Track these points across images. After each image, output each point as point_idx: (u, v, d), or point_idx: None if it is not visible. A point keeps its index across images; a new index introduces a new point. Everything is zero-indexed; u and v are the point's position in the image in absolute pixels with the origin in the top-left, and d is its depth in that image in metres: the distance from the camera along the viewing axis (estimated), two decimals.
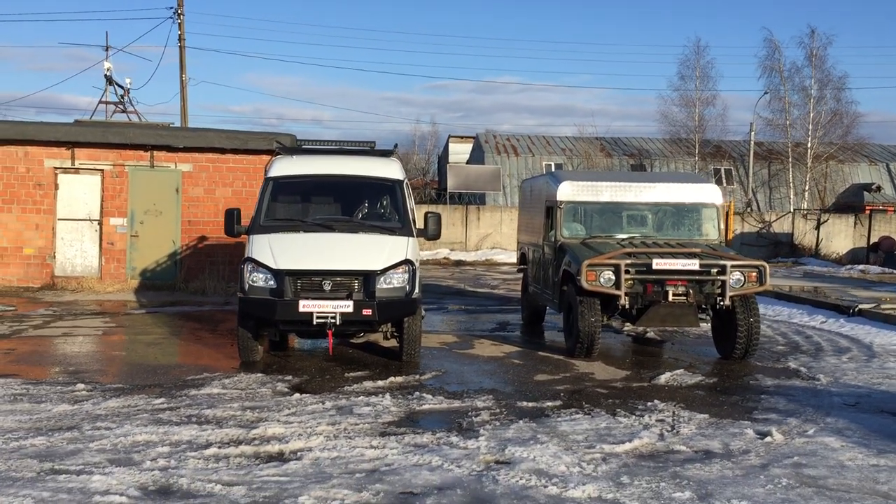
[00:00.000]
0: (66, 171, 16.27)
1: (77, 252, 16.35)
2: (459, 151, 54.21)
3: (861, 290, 16.54)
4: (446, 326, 12.76)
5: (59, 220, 16.26)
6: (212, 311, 13.81)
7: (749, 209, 37.86)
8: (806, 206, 37.95)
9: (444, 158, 56.62)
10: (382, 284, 8.85)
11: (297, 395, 7.65)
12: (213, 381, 8.24)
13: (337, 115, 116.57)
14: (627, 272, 9.61)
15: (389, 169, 10.23)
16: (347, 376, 8.68)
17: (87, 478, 5.21)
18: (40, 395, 7.45)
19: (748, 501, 5.00)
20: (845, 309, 13.29)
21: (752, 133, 40.48)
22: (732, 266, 9.74)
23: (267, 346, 10.43)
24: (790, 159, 41.04)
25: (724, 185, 43.49)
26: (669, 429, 6.70)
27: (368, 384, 8.25)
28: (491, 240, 28.78)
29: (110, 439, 6.08)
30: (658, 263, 9.66)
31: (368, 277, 8.78)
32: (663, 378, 8.79)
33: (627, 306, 9.76)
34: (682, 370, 9.25)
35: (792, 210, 33.24)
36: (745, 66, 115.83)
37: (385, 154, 10.72)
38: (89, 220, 16.35)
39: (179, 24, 26.51)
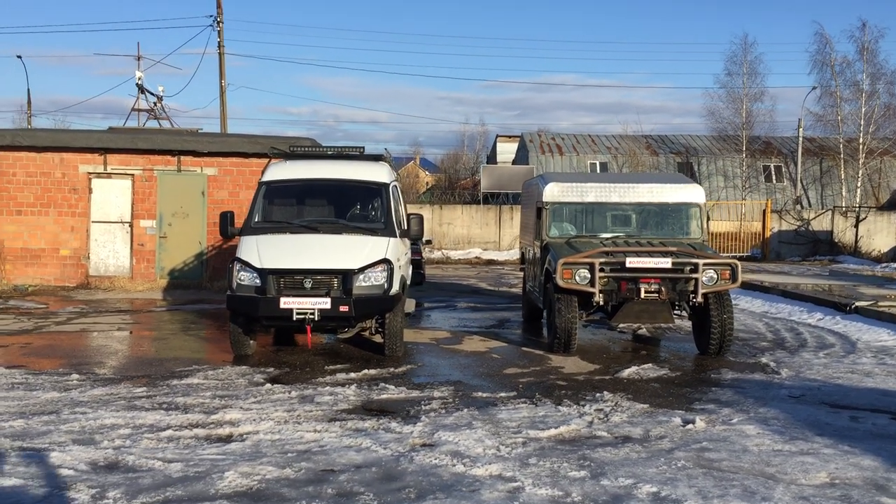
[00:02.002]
0: (99, 175, 17.25)
1: (110, 253, 17.31)
2: (506, 151, 54.61)
3: (874, 289, 16.45)
4: (446, 323, 13.22)
5: (93, 222, 17.24)
6: None
7: (798, 206, 37.38)
8: (859, 204, 37.28)
9: (492, 158, 57.08)
10: (360, 282, 9.38)
11: (268, 386, 8.23)
12: (199, 372, 8.88)
13: (392, 115, 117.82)
14: (602, 270, 9.97)
15: (377, 172, 10.76)
16: (327, 369, 9.22)
17: (47, 454, 5.85)
18: (36, 384, 8.17)
19: (634, 479, 5.38)
20: (842, 306, 13.34)
21: (801, 129, 39.99)
22: (705, 264, 9.99)
23: (271, 340, 11.09)
24: (842, 155, 40.33)
25: (774, 182, 43.06)
26: (602, 417, 7.07)
27: (341, 376, 8.78)
28: None
29: (81, 422, 6.73)
30: (631, 262, 9.99)
31: (346, 276, 9.33)
32: (627, 372, 9.12)
33: (602, 303, 10.12)
34: (650, 364, 9.56)
35: (832, 207, 32.73)
36: (796, 62, 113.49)
37: (375, 158, 11.26)
38: (121, 222, 17.30)
39: (219, 31, 27.53)
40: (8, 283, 16.79)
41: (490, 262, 27.21)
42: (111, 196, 17.28)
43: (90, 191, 17.25)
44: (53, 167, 17.15)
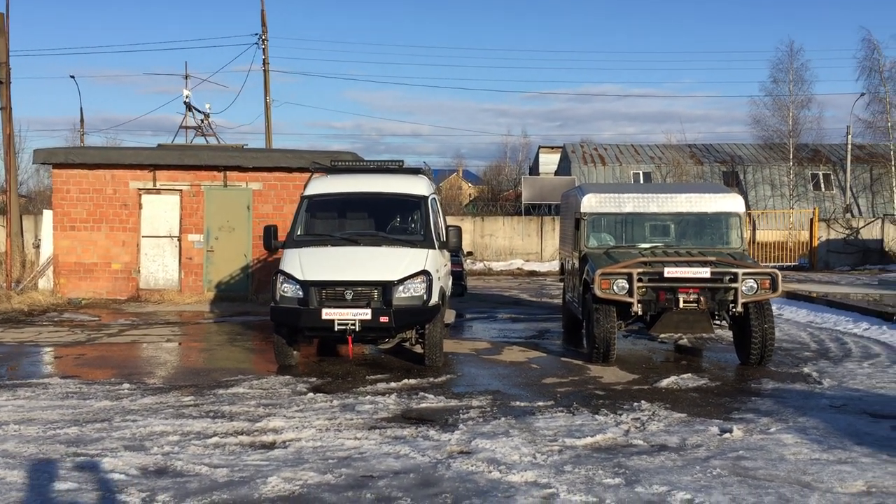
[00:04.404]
0: (148, 191, 17.74)
1: (159, 266, 17.77)
2: (549, 162, 54.60)
3: None
4: (486, 334, 13.33)
5: (143, 237, 17.75)
6: None
7: (848, 215, 36.75)
8: None
9: (535, 169, 57.11)
10: (400, 294, 9.55)
11: (311, 395, 8.42)
12: (244, 382, 9.11)
13: (434, 128, 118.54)
14: (640, 280, 10.00)
15: (416, 185, 10.95)
16: (368, 378, 9.39)
17: (100, 460, 6.10)
18: (89, 393, 8.47)
19: (668, 486, 5.43)
20: (889, 316, 13.16)
21: (849, 136, 39.39)
22: (744, 274, 9.97)
23: (315, 350, 11.33)
24: (893, 162, 39.60)
25: (823, 190, 42.38)
26: (639, 426, 7.12)
27: (382, 386, 8.94)
28: None
29: (131, 429, 6.98)
30: (669, 272, 10.00)
31: (386, 287, 9.51)
32: (666, 381, 9.14)
33: (641, 313, 10.14)
34: (689, 374, 9.56)
35: (882, 216, 32.14)
36: (843, 69, 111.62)
37: (414, 172, 11.44)
38: (170, 236, 17.76)
39: (264, 49, 28.09)
40: (62, 297, 17.32)
41: (532, 274, 27.25)
42: (160, 211, 17.75)
43: (140, 206, 17.75)
44: (105, 184, 17.69)
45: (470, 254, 22.00)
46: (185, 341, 12.43)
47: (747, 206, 39.63)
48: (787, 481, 5.56)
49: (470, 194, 70.89)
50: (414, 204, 10.81)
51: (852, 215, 37.07)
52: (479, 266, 28.10)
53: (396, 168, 11.44)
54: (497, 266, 28.03)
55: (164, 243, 17.79)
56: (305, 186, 11.23)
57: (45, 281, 17.91)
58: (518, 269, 27.98)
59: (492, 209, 43.69)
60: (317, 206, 10.90)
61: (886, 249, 29.30)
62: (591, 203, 11.33)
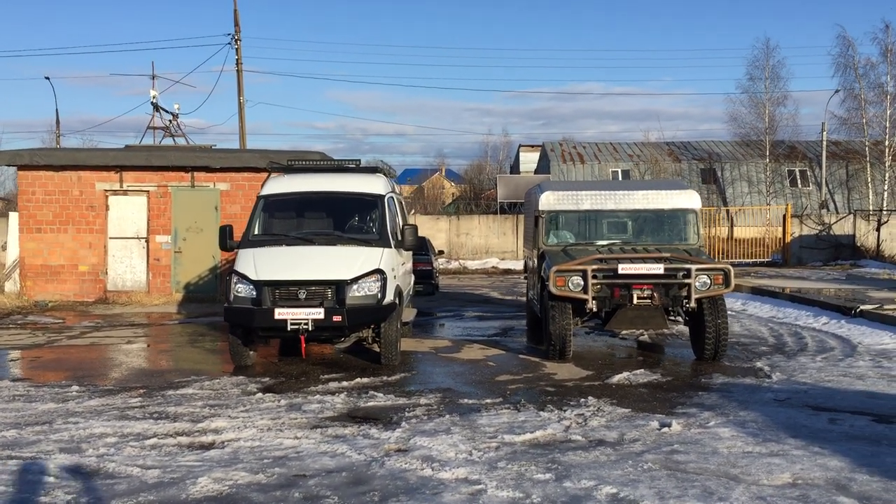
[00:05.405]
0: (115, 192, 17.66)
1: (127, 268, 17.68)
2: (529, 160, 54.67)
3: (885, 292, 16.28)
4: (450, 332, 13.34)
5: (110, 238, 17.65)
6: None
7: (825, 210, 36.95)
8: (882, 207, 36.80)
9: (515, 168, 57.19)
10: (353, 292, 9.55)
11: (259, 395, 8.40)
12: (195, 383, 9.08)
13: (418, 128, 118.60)
14: (595, 277, 10.03)
15: (372, 184, 10.94)
16: (321, 378, 9.37)
17: (32, 462, 6.06)
18: (36, 396, 8.42)
19: (597, 481, 5.45)
20: (848, 310, 13.25)
21: (825, 133, 39.61)
22: (698, 269, 10.02)
23: (275, 350, 11.30)
24: (868, 158, 39.84)
25: (799, 186, 42.64)
26: (581, 422, 7.14)
27: (334, 385, 8.93)
28: None
29: (71, 432, 6.94)
30: (623, 268, 10.04)
31: (339, 286, 9.50)
32: (618, 377, 9.17)
33: (596, 310, 10.18)
34: (642, 370, 9.59)
35: (854, 211, 32.37)
36: (819, 66, 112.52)
37: (371, 171, 11.43)
38: (137, 238, 17.68)
39: (237, 49, 27.99)
40: (29, 300, 17.21)
41: (506, 272, 27.28)
42: (127, 212, 17.67)
43: (107, 208, 17.65)
44: (71, 185, 17.58)
45: (441, 252, 22.04)
46: (146, 343, 12.37)
47: (724, 203, 39.97)
48: (716, 474, 5.59)
49: (452, 193, 70.97)
50: (370, 203, 10.80)
51: (828, 211, 37.27)
52: (454, 265, 28.13)
53: (354, 167, 11.44)
54: (472, 265, 28.07)
55: (131, 245, 17.71)
56: (262, 186, 11.20)
57: (11, 284, 17.78)
58: (493, 267, 28.02)
59: (473, 208, 43.78)
60: (273, 206, 10.88)
61: (858, 244, 29.48)
62: (548, 201, 11.35)
